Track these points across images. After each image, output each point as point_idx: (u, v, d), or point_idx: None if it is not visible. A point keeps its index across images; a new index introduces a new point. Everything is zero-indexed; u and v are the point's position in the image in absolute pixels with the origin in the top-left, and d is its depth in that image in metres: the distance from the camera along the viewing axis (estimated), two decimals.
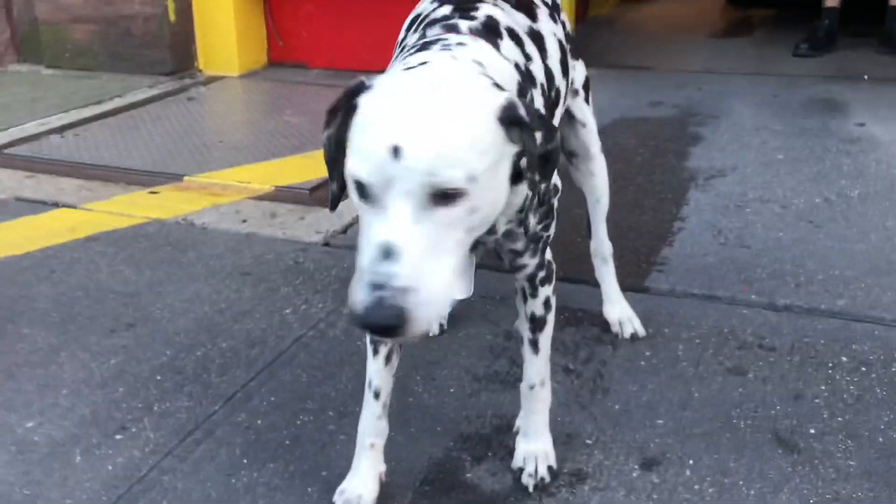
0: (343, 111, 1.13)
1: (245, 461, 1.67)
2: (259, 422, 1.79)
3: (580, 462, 1.64)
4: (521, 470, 1.60)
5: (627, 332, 2.05)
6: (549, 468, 1.60)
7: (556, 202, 1.44)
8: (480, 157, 1.04)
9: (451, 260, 1.05)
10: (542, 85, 1.42)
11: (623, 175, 3.21)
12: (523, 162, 1.14)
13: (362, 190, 1.06)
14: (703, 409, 1.79)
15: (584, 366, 1.96)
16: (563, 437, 1.70)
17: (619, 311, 2.09)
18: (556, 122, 1.56)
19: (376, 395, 1.54)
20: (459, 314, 2.19)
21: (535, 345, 1.58)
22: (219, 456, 1.69)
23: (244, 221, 2.83)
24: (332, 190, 1.24)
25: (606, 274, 2.10)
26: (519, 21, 1.47)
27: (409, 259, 1.00)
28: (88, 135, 3.85)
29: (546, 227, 1.45)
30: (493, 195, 1.09)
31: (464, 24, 1.34)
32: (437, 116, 1.03)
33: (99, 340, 2.12)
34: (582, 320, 2.15)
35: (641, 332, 2.05)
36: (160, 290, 2.36)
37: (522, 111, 1.09)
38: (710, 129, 3.77)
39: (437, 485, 1.60)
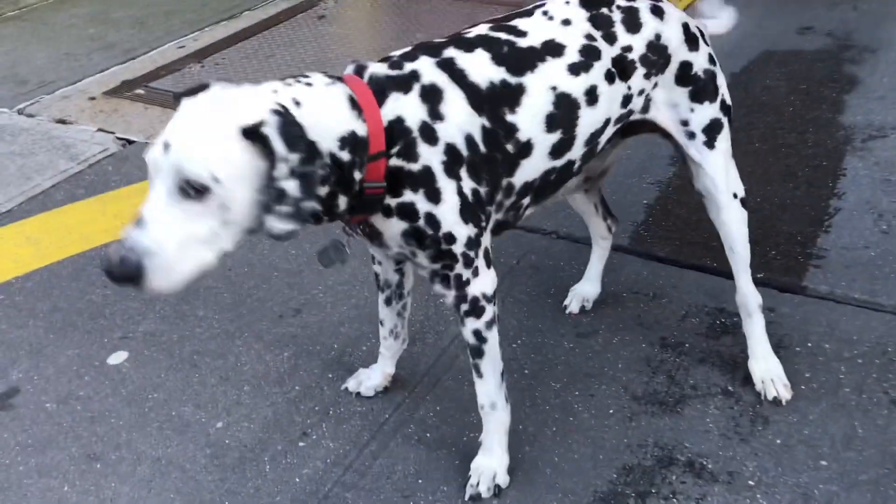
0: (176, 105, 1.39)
1: (420, 481, 1.79)
2: (428, 435, 1.90)
3: None
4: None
5: (770, 395, 1.94)
6: (496, 486, 1.73)
7: (457, 248, 1.53)
8: (224, 162, 1.28)
9: (202, 242, 1.31)
10: (448, 144, 1.48)
11: (774, 132, 3.08)
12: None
13: None
14: (868, 450, 1.80)
15: (742, 387, 1.98)
16: (723, 475, 1.75)
17: (764, 368, 1.97)
18: (524, 175, 1.61)
19: (381, 323, 1.96)
20: (612, 313, 2.22)
21: (476, 369, 1.69)
22: (395, 474, 1.81)
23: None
24: None
25: (752, 327, 1.99)
26: (476, 74, 1.53)
27: (154, 229, 1.29)
28: (227, 63, 3.90)
29: (446, 267, 1.55)
30: (248, 198, 1.31)
31: (368, 71, 1.49)
32: (198, 125, 1.31)
33: (269, 328, 2.25)
34: (739, 328, 2.14)
35: (785, 396, 1.93)
36: (319, 268, 2.45)
37: (269, 130, 1.28)
38: (868, 69, 3.54)
39: None
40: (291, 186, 1.29)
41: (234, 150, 1.29)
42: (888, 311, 2.18)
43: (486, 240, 1.59)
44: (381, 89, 1.47)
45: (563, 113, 1.61)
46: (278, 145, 1.28)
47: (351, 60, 1.55)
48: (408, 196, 1.49)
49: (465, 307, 1.61)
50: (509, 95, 1.56)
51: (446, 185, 1.49)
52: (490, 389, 1.70)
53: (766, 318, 2.13)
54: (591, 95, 1.63)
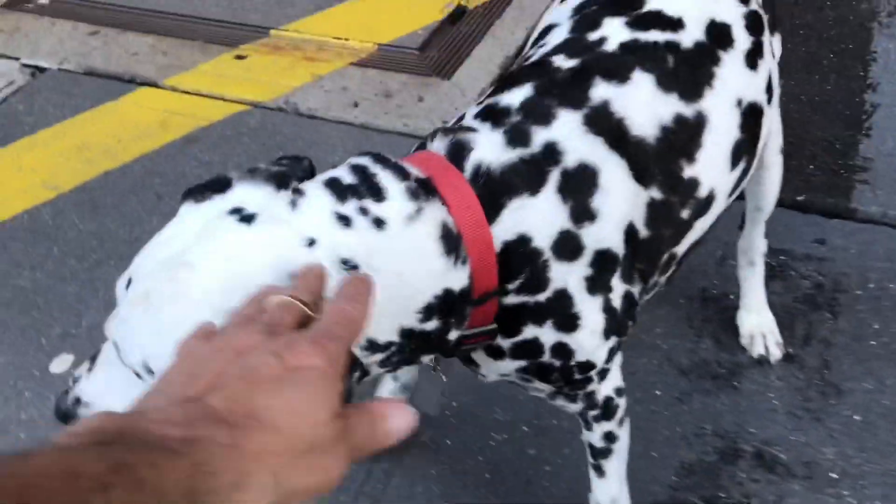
0: None
1: None
2: (448, 442, 1.60)
3: None
4: None
5: (757, 352, 1.67)
6: None
7: (595, 372, 1.06)
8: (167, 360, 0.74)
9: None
10: (598, 253, 0.96)
11: (788, 8, 2.70)
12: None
13: None
14: None
15: (804, 349, 1.70)
16: (800, 468, 1.50)
17: (756, 322, 1.70)
18: (693, 237, 1.10)
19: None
20: None
21: (598, 469, 1.28)
22: (415, 496, 1.52)
23: (356, 105, 2.45)
24: None
25: (751, 277, 1.68)
26: (639, 121, 0.99)
27: (92, 380, 0.89)
28: None
29: (576, 389, 1.11)
30: None
31: (473, 158, 0.92)
32: (148, 285, 0.79)
33: None
34: (789, 268, 1.85)
35: (776, 354, 1.67)
36: None
37: None
38: None
39: None
40: None
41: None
42: None
43: None
44: (496, 191, 0.91)
45: (748, 134, 1.11)
46: None
47: (441, 129, 0.97)
48: (529, 332, 0.98)
49: (594, 413, 1.18)
50: (687, 138, 1.03)
51: (588, 307, 0.98)
52: (612, 488, 1.30)
53: (817, 252, 1.85)
54: (770, 87, 1.17)
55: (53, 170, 2.32)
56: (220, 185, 0.84)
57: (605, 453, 1.25)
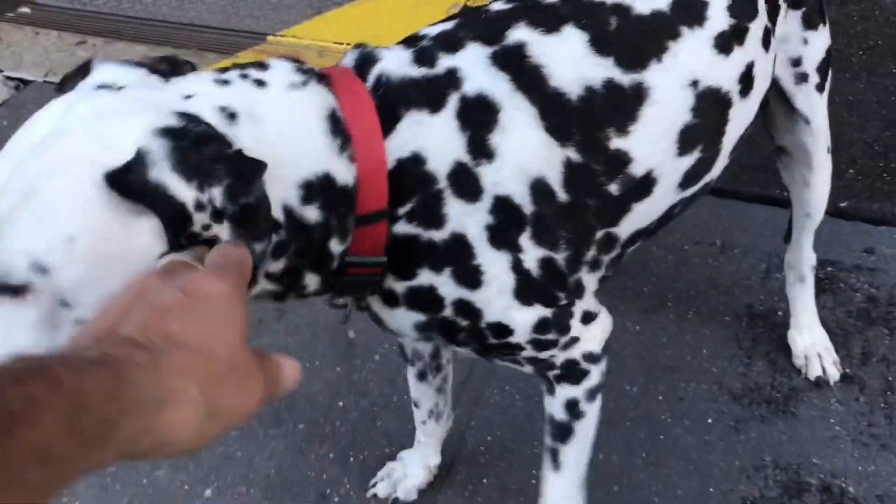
0: None
1: None
2: (485, 481, 1.47)
3: None
4: None
5: (814, 374, 1.56)
6: None
7: (519, 338, 0.97)
8: (65, 244, 0.68)
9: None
10: (497, 198, 0.90)
11: None
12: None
13: None
14: None
15: (863, 368, 1.58)
16: (873, 501, 1.38)
17: (809, 341, 1.59)
18: (635, 223, 1.03)
19: (416, 405, 1.42)
20: (677, 275, 1.78)
21: (553, 457, 1.11)
22: None
23: None
24: None
25: (801, 293, 1.58)
26: (562, 74, 0.94)
27: None
28: None
29: (509, 358, 1.02)
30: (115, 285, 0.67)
31: (378, 67, 0.90)
32: (17, 181, 0.69)
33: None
34: (839, 281, 1.73)
35: (834, 375, 1.56)
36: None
37: (152, 167, 0.69)
38: None
39: None
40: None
41: (92, 215, 0.68)
42: None
43: (587, 303, 1.03)
44: (394, 102, 0.88)
45: (706, 120, 1.02)
46: (175, 184, 0.68)
47: (355, 45, 0.95)
48: (424, 278, 0.91)
49: (554, 372, 1.04)
50: (618, 106, 0.96)
51: (491, 261, 0.91)
52: (567, 489, 1.13)
53: (867, 262, 1.74)
54: (748, 79, 1.06)
55: None
56: (85, 69, 0.79)
57: (564, 433, 1.09)
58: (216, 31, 2.69)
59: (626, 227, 1.02)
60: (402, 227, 0.88)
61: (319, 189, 0.82)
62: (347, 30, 2.64)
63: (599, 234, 1.00)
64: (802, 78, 1.30)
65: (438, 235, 0.89)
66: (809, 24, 1.26)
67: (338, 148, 0.83)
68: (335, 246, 0.85)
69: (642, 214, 1.03)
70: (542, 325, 0.97)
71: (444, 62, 0.91)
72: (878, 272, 1.74)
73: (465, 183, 0.88)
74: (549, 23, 0.95)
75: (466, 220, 0.89)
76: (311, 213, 0.82)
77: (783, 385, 1.57)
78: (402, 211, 0.88)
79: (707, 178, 1.08)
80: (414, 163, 0.87)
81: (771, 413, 1.52)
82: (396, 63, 0.90)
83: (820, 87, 1.32)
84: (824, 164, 1.42)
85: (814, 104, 1.33)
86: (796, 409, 1.53)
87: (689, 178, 1.05)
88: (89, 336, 0.56)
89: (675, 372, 1.61)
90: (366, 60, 0.91)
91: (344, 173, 0.83)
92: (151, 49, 2.64)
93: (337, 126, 0.84)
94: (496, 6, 1.00)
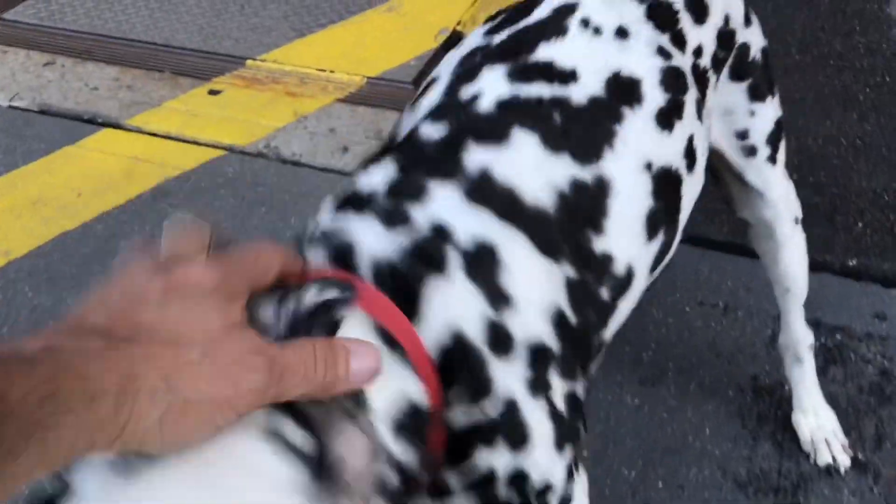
0: None
1: None
2: None
3: None
4: None
5: (823, 460, 1.47)
6: None
7: (554, 497, 0.83)
8: None
9: None
10: (530, 346, 0.78)
11: (815, 35, 2.48)
12: None
13: None
14: None
15: (876, 453, 1.48)
16: None
17: (814, 424, 1.49)
18: (619, 319, 0.95)
19: None
20: (677, 340, 1.68)
21: None
22: None
23: (345, 151, 2.20)
24: None
25: (801, 375, 1.49)
26: (530, 187, 0.83)
27: None
28: None
29: None
30: None
31: (360, 252, 0.75)
32: None
33: None
34: (849, 350, 1.63)
35: (845, 462, 1.46)
36: None
37: None
38: None
39: None
40: None
41: None
42: None
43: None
44: (406, 281, 0.75)
45: (664, 202, 0.95)
46: None
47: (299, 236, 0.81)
48: (481, 458, 0.77)
49: None
50: (590, 205, 0.87)
51: (533, 414, 0.79)
52: None
53: (878, 329, 1.64)
54: (691, 153, 0.98)
55: (3, 230, 2.05)
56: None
57: None
58: (192, 52, 2.55)
59: (611, 329, 0.94)
60: (457, 418, 0.75)
61: (407, 420, 0.69)
62: (330, 53, 2.52)
63: (596, 343, 0.91)
64: (751, 151, 1.21)
65: (491, 409, 0.76)
66: (756, 95, 1.17)
67: (407, 368, 0.70)
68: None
69: (624, 311, 0.95)
70: (568, 473, 0.83)
71: (420, 217, 0.78)
72: (890, 341, 1.64)
73: (498, 339, 0.76)
74: (496, 133, 0.86)
75: (509, 380, 0.77)
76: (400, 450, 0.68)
77: (791, 472, 1.46)
78: (453, 399, 0.74)
79: (667, 259, 1.01)
80: (458, 342, 0.74)
81: None
82: (376, 239, 0.76)
83: (772, 159, 1.23)
84: (791, 237, 1.33)
85: (766, 177, 1.24)
86: (805, 498, 1.43)
87: (656, 262, 0.97)
88: (60, 327, 0.52)
89: (676, 454, 1.50)
90: (340, 251, 0.75)
91: (417, 390, 0.70)
92: (123, 71, 2.51)
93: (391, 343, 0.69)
94: (426, 129, 0.87)
